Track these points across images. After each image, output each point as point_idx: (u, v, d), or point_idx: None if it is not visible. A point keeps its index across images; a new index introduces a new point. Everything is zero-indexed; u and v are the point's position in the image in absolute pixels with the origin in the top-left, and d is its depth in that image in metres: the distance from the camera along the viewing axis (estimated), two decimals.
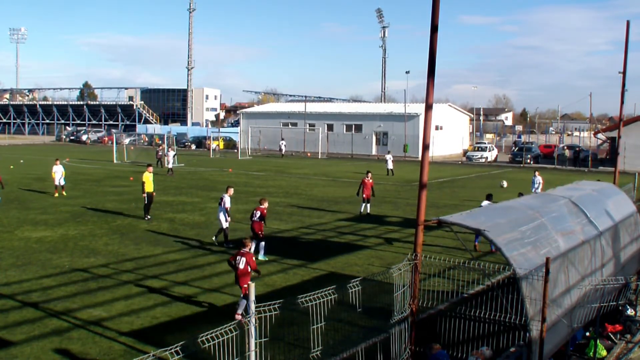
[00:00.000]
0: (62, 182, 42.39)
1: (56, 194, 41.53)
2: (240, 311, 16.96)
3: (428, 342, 12.77)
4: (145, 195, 33.17)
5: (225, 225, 26.68)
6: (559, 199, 16.17)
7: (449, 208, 36.30)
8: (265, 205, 25.37)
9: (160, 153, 69.42)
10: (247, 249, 17.69)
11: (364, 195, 35.27)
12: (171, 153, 61.22)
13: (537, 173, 38.39)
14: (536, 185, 38.31)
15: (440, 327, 13.37)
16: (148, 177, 33.39)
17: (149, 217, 33.10)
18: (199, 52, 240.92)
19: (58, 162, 42.65)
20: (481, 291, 17.35)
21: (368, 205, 35.33)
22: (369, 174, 35.81)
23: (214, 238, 27.12)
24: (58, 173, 42.09)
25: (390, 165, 62.60)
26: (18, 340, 15.57)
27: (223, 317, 14.85)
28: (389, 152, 68.26)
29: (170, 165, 59.49)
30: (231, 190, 27.78)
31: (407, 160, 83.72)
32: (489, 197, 27.63)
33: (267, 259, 24.02)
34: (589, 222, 15.37)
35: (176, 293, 19.69)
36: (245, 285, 17.18)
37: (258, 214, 24.72)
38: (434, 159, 79.37)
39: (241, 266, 17.15)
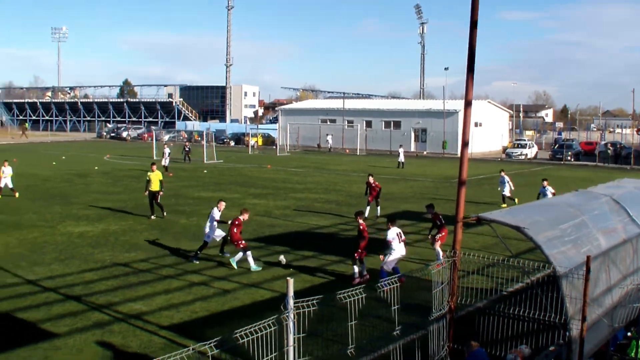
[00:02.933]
0: (10, 185, 39.14)
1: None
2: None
3: (466, 339, 12.72)
4: (147, 193, 32.57)
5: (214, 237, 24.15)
6: (600, 196, 16.01)
7: (488, 205, 36.07)
8: (245, 217, 23.32)
9: (187, 149, 69.89)
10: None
11: (369, 198, 33.47)
12: (167, 150, 59.33)
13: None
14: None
15: (479, 324, 13.30)
16: (152, 176, 32.60)
17: (153, 217, 32.26)
18: (238, 49, 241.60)
19: (7, 163, 39.59)
20: (520, 289, 17.23)
21: (378, 208, 33.51)
22: (371, 177, 33.95)
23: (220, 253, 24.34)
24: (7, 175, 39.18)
25: (401, 159, 66.20)
26: (61, 332, 15.82)
27: (262, 312, 14.91)
28: (400, 146, 70.79)
29: (166, 164, 57.20)
30: (222, 205, 24.68)
31: (445, 157, 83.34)
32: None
33: (260, 268, 22.32)
34: (631, 221, 15.18)
35: (215, 288, 19.82)
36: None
37: (236, 223, 22.71)
38: (473, 156, 78.72)
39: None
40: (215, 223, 23.82)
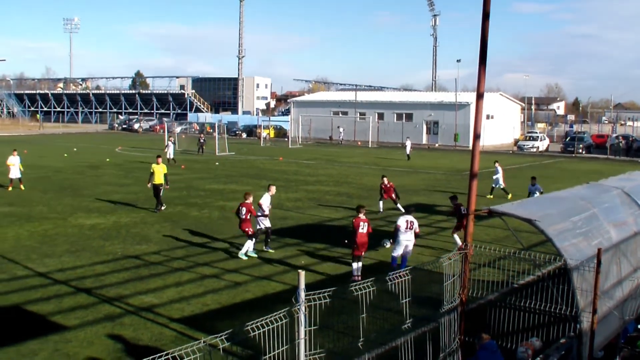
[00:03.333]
0: (19, 175, 38.90)
1: (10, 188, 38.57)
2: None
3: (477, 332, 12.71)
4: (151, 185, 32.21)
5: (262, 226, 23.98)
6: (611, 189, 15.96)
7: (499, 198, 36.03)
8: (250, 200, 23.15)
9: (202, 140, 70.14)
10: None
11: (385, 196, 32.36)
12: (170, 143, 59.42)
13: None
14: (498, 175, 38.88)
15: (490, 317, 13.30)
16: (157, 168, 32.37)
17: (163, 207, 32.15)
18: (250, 41, 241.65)
19: (15, 152, 39.30)
20: (531, 282, 17.20)
21: (399, 205, 31.88)
22: (385, 179, 32.74)
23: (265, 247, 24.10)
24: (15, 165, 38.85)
25: (408, 151, 67.37)
26: (72, 325, 15.87)
27: (273, 305, 14.94)
28: (407, 138, 73.62)
29: (171, 156, 56.94)
30: (272, 189, 25.29)
31: (457, 150, 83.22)
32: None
33: (246, 258, 22.46)
34: None
35: (226, 280, 19.86)
36: (247, 229, 22.69)
37: (244, 210, 22.83)
38: (484, 149, 78.67)
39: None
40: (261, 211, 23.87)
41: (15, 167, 38.56)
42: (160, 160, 33.64)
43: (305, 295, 9.08)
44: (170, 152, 57.43)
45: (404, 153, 67.64)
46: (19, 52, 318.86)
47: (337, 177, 48.49)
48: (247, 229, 22.63)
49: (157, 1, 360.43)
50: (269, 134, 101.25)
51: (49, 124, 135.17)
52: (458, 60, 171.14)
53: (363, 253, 20.28)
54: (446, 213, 31.83)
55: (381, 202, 32.78)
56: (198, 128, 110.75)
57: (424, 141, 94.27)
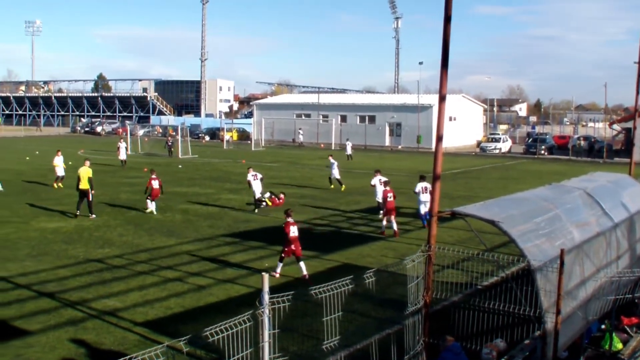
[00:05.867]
0: (63, 173, 42.51)
1: (55, 186, 41.71)
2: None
3: (442, 334, 12.75)
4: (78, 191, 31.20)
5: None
6: (574, 190, 16.09)
7: (462, 199, 36.20)
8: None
9: (170, 142, 70.09)
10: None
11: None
12: (122, 145, 58.67)
13: (331, 158, 42.21)
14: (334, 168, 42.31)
15: (454, 319, 13.34)
16: (82, 173, 31.25)
17: (92, 215, 30.72)
18: (212, 43, 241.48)
19: (59, 152, 43.23)
20: (495, 283, 17.32)
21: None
22: (387, 185, 29.54)
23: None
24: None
25: (349, 151, 69.87)
26: (34, 329, 15.68)
27: (237, 308, 14.86)
28: (347, 140, 77.27)
29: (123, 157, 57.24)
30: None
31: (420, 152, 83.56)
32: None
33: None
34: (604, 214, 15.28)
35: (190, 284, 19.75)
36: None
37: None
38: (447, 150, 78.92)
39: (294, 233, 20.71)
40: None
41: (59, 167, 42.27)
42: (88, 163, 32.56)
43: (269, 298, 9.04)
44: (122, 154, 57.45)
45: (348, 154, 68.67)
46: None
47: (300, 180, 48.48)
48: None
49: (119, 3, 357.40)
50: (232, 136, 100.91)
51: (10, 127, 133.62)
52: (420, 63, 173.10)
53: (300, 253, 20.80)
54: (409, 215, 31.95)
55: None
56: (161, 131, 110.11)
57: (387, 143, 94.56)
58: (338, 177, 42.53)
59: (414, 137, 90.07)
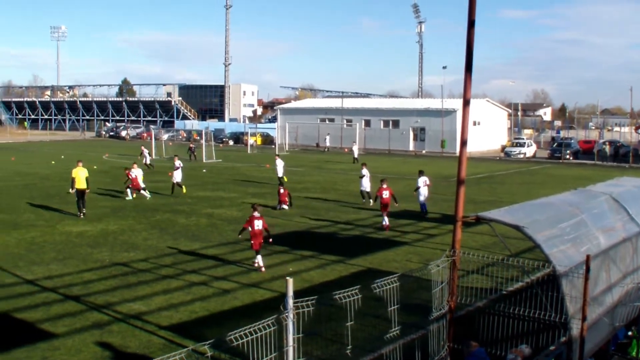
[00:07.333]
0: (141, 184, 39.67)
1: (184, 191, 40.91)
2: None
3: (466, 339, 12.69)
4: (74, 191, 32.45)
5: None
6: (599, 195, 15.97)
7: (487, 204, 36.04)
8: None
9: (192, 147, 70.76)
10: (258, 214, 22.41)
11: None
12: (145, 151, 61.07)
13: (363, 167, 39.50)
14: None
15: (479, 324, 13.28)
16: (77, 173, 32.42)
17: (82, 213, 32.34)
18: (236, 48, 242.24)
19: (135, 165, 40.18)
20: (520, 288, 17.20)
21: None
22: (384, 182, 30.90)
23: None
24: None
25: (355, 155, 73.48)
26: (60, 332, 15.81)
27: (261, 312, 14.88)
28: (354, 143, 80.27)
29: (147, 162, 58.82)
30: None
31: (444, 156, 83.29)
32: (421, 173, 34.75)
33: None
34: (630, 219, 15.14)
35: (214, 288, 19.80)
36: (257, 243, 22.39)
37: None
38: (471, 155, 78.59)
39: (259, 227, 22.08)
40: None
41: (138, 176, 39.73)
42: (80, 164, 33.30)
43: (293, 303, 9.04)
44: (147, 159, 58.67)
45: (362, 158, 67.49)
46: (7, 59, 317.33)
47: (324, 184, 48.50)
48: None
49: (143, 9, 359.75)
50: (256, 141, 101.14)
51: (36, 132, 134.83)
52: (444, 67, 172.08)
53: (259, 246, 22.24)
54: (433, 220, 31.88)
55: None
56: (185, 135, 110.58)
57: (411, 148, 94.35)
58: (368, 190, 38.76)
59: (438, 141, 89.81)
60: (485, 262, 16.25)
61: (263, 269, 21.97)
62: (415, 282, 14.91)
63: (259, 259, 22.15)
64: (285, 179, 46.36)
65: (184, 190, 40.73)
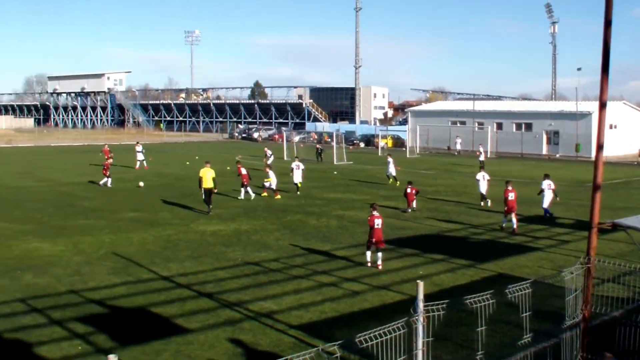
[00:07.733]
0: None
1: (277, 196, 40.60)
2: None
3: (600, 350, 12.38)
4: (202, 190, 33.97)
5: None
6: None
7: (624, 211, 34.91)
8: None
9: (319, 149, 72.31)
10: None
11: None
12: (268, 151, 61.98)
13: (389, 156, 47.89)
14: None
15: (615, 335, 12.93)
16: (205, 173, 33.98)
17: (210, 211, 33.75)
18: (367, 50, 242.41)
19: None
20: None
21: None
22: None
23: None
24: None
25: (482, 157, 67.80)
26: (194, 328, 16.28)
27: (391, 315, 14.91)
28: (480, 145, 76.37)
29: (269, 162, 57.87)
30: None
31: (579, 160, 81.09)
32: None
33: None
34: None
35: (344, 289, 19.94)
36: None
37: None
38: (607, 159, 76.20)
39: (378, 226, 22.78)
40: None
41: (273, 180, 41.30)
42: (208, 165, 34.72)
43: (424, 306, 9.05)
44: (270, 159, 59.27)
45: (493, 162, 67.96)
46: (144, 64, 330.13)
47: (455, 188, 48.07)
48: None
49: (275, 12, 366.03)
50: (386, 143, 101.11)
51: (171, 133, 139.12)
52: (578, 69, 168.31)
53: (377, 244, 22.77)
54: (567, 226, 31.15)
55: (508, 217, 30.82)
56: (316, 137, 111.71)
57: (544, 151, 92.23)
58: (394, 174, 49.68)
59: (572, 145, 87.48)
60: (622, 270, 15.82)
61: (380, 266, 22.49)
62: (547, 289, 14.67)
63: (379, 257, 22.65)
64: (398, 184, 47.32)
65: (298, 190, 42.53)
